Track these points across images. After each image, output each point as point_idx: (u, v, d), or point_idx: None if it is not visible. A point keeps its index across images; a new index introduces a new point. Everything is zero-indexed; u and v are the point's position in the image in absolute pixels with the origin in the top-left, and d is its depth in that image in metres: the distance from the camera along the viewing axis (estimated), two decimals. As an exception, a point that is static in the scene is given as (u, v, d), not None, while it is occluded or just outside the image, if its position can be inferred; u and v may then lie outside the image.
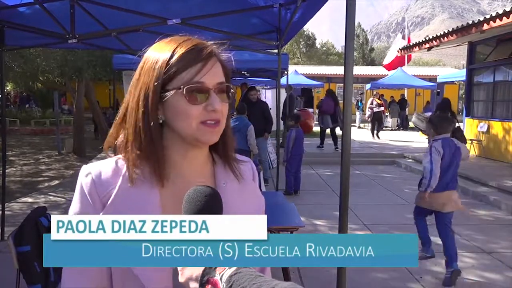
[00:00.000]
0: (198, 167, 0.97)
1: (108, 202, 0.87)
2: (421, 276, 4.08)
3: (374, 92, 17.77)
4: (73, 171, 9.68)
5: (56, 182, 8.60)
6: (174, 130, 0.91)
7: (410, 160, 10.96)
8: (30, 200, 6.96)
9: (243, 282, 0.66)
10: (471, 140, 10.94)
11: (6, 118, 13.83)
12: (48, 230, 2.59)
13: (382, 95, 17.53)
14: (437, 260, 4.49)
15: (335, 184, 7.74)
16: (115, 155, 0.96)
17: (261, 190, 4.67)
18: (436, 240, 4.09)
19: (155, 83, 0.87)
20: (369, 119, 16.70)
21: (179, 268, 0.74)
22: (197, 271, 0.71)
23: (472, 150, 10.87)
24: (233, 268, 0.67)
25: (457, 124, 6.84)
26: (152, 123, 0.89)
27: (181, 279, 0.74)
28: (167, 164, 0.92)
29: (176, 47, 0.89)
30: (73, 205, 0.92)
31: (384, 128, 17.70)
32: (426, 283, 3.94)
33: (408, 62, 19.73)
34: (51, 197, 7.21)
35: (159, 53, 0.90)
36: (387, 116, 19.87)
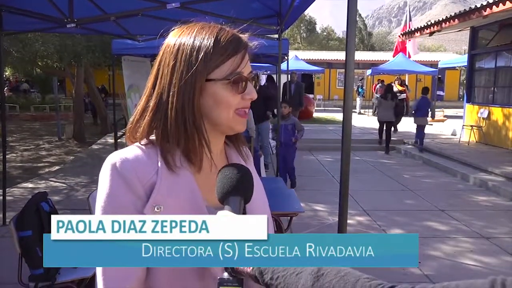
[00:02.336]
0: (219, 150, 1.00)
1: (154, 190, 0.85)
2: (420, 261, 4.12)
3: (396, 77, 15.44)
4: (74, 157, 9.70)
5: (57, 167, 8.62)
6: (209, 117, 0.91)
7: (410, 146, 10.96)
8: (31, 185, 6.98)
9: None
10: (471, 126, 10.93)
11: (6, 104, 13.78)
12: (49, 215, 2.62)
13: (404, 80, 14.28)
14: (435, 245, 4.54)
15: (335, 170, 7.77)
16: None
17: (260, 175, 4.66)
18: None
19: (201, 73, 0.87)
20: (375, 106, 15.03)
21: None
22: None
23: (472, 136, 10.87)
24: None
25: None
26: (197, 110, 0.89)
27: None
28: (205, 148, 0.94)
29: (217, 35, 0.89)
30: (105, 197, 0.85)
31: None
32: (425, 267, 3.98)
33: (415, 52, 19.20)
34: (51, 182, 7.24)
35: (198, 40, 0.89)
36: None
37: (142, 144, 0.91)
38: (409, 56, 18.26)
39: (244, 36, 0.94)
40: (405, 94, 13.21)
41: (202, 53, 0.87)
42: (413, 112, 10.45)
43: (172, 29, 0.95)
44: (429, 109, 10.44)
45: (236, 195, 0.80)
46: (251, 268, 0.70)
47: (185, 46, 0.89)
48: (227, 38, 0.89)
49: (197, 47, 0.88)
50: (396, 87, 13.09)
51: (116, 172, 0.85)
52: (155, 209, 0.84)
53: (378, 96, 12.99)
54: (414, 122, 10.30)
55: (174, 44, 0.90)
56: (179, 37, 0.91)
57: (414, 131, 10.64)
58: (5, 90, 26.70)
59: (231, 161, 1.01)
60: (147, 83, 0.94)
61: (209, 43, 0.87)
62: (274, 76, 10.65)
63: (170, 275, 0.86)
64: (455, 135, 11.79)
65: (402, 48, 18.76)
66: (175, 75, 0.88)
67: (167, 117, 0.89)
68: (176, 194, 0.87)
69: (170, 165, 0.88)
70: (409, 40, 16.80)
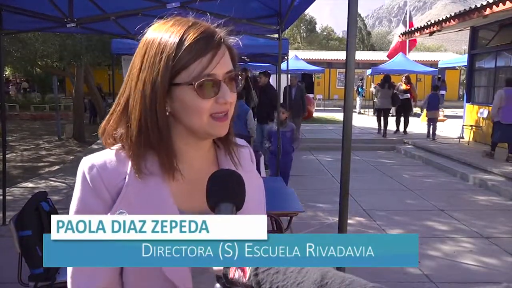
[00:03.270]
0: (204, 154, 0.95)
1: (119, 197, 0.84)
2: (420, 261, 4.12)
3: (404, 76, 14.06)
4: (74, 156, 9.69)
5: (57, 167, 8.61)
6: (182, 123, 0.87)
7: (410, 146, 10.96)
8: (30, 185, 6.98)
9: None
10: (471, 126, 10.93)
11: (5, 103, 13.77)
12: (49, 214, 2.61)
13: (409, 77, 13.34)
14: (435, 245, 4.54)
15: (335, 169, 7.76)
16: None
17: (261, 175, 4.67)
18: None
19: (163, 77, 0.81)
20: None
21: None
22: None
23: (472, 135, 10.86)
24: None
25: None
26: (160, 116, 0.84)
27: None
28: (176, 156, 0.89)
29: (184, 34, 0.82)
30: (76, 201, 0.86)
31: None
32: (425, 267, 3.98)
33: (409, 52, 19.26)
34: (51, 182, 7.23)
35: (164, 39, 0.83)
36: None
37: (115, 148, 0.89)
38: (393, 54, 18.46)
39: (219, 32, 0.86)
40: (409, 94, 12.63)
41: (166, 53, 0.81)
42: (425, 108, 11.78)
43: (150, 25, 0.89)
44: (438, 104, 11.74)
45: (228, 202, 0.78)
46: (247, 278, 0.69)
47: (151, 47, 0.84)
48: (194, 36, 0.81)
49: (161, 49, 0.82)
50: (402, 86, 12.68)
51: (84, 177, 0.86)
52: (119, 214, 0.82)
53: (376, 85, 13.05)
54: (427, 116, 11.73)
55: (144, 44, 0.86)
56: (151, 35, 0.86)
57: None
58: (13, 90, 26.86)
59: (221, 164, 0.97)
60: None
61: (173, 44, 0.81)
62: (275, 76, 10.62)
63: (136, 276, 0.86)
64: (462, 138, 11.44)
65: (402, 48, 18.76)
66: (140, 78, 0.84)
67: (132, 124, 0.85)
68: (143, 201, 0.84)
69: (139, 171, 0.85)
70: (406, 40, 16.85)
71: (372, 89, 16.52)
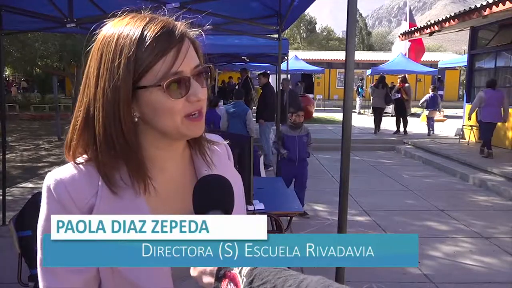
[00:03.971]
0: (178, 155, 0.90)
1: (92, 214, 0.78)
2: (420, 261, 4.12)
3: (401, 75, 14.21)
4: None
5: (57, 167, 8.61)
6: (154, 127, 0.80)
7: (410, 146, 10.96)
8: (30, 185, 6.99)
9: (267, 276, 0.63)
10: (471, 126, 10.92)
11: (5, 104, 13.76)
12: (49, 215, 2.55)
13: (405, 77, 13.39)
14: (434, 245, 4.54)
15: (335, 169, 7.76)
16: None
17: (260, 175, 4.64)
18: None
19: (125, 82, 0.74)
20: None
21: None
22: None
23: (472, 136, 10.86)
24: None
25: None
26: (125, 125, 0.77)
27: (193, 273, 0.71)
28: (148, 163, 0.83)
29: (143, 32, 0.75)
30: (43, 221, 0.81)
31: (384, 114, 17.25)
32: (424, 267, 3.98)
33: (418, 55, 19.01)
34: (51, 182, 7.23)
35: (121, 40, 0.75)
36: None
37: (80, 162, 0.82)
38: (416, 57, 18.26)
39: (180, 25, 0.79)
40: (399, 94, 12.62)
41: (126, 55, 0.74)
42: (425, 107, 12.83)
43: (105, 22, 0.82)
44: (437, 103, 12.77)
45: (216, 209, 0.76)
46: None
47: (108, 49, 0.76)
48: (154, 34, 0.75)
49: (119, 51, 0.75)
50: (396, 84, 13.13)
51: (51, 195, 0.80)
52: None
53: (372, 86, 13.75)
54: (427, 115, 12.80)
55: (99, 47, 0.78)
56: (104, 37, 0.78)
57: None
58: (14, 89, 27.01)
59: (196, 166, 0.92)
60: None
61: (133, 44, 0.74)
62: (275, 76, 10.61)
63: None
64: (459, 135, 11.72)
65: (417, 47, 18.56)
66: (99, 85, 0.77)
67: (102, 133, 0.78)
68: None
69: (111, 184, 0.79)
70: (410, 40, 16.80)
71: (369, 89, 16.77)
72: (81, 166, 0.82)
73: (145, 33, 0.75)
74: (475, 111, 8.87)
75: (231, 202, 0.79)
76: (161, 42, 0.75)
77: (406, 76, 13.70)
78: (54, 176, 0.81)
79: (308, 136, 5.36)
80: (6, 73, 23.73)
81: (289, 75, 11.01)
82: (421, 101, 13.01)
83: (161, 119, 0.78)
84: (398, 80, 13.22)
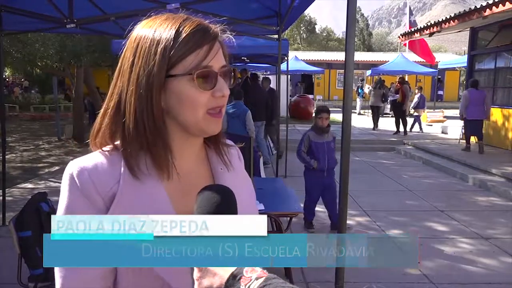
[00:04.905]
0: (195, 153, 0.92)
1: (114, 202, 0.79)
2: (419, 261, 4.12)
3: (399, 76, 15.04)
4: (73, 157, 9.67)
5: (56, 168, 8.61)
6: (176, 118, 0.83)
7: (410, 147, 10.96)
8: (30, 185, 6.98)
9: None
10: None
11: (5, 104, 13.77)
12: (48, 215, 2.60)
13: (403, 78, 14.06)
14: (434, 245, 4.54)
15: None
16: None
17: (260, 175, 4.63)
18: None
19: (160, 68, 0.78)
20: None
21: (195, 277, 0.70)
22: (218, 281, 0.66)
23: (472, 137, 10.86)
24: (261, 280, 0.62)
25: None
26: (156, 110, 0.80)
27: None
28: (172, 152, 0.86)
29: (180, 27, 0.80)
30: (63, 210, 0.79)
31: (384, 115, 17.35)
32: (424, 268, 3.98)
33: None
34: (51, 183, 7.23)
35: (158, 32, 0.80)
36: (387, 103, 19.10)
37: (105, 150, 0.84)
38: (433, 58, 18.36)
39: (214, 27, 0.84)
40: (398, 95, 12.73)
41: (161, 46, 0.78)
42: (415, 107, 13.82)
43: (138, 22, 0.86)
44: (425, 103, 14.35)
45: None
46: None
47: (145, 40, 0.80)
48: (190, 29, 0.79)
49: (156, 40, 0.79)
50: (394, 86, 13.79)
51: (73, 183, 0.79)
52: None
53: (370, 86, 15.35)
54: (415, 114, 13.84)
55: (135, 39, 0.82)
56: (142, 30, 0.83)
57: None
58: (17, 89, 27.07)
59: (212, 164, 0.94)
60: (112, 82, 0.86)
61: (170, 35, 0.79)
62: (275, 77, 10.60)
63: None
64: (446, 133, 12.86)
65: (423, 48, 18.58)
66: (133, 72, 0.81)
67: (127, 122, 0.81)
68: (140, 205, 0.80)
69: (133, 172, 0.80)
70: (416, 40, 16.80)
71: (366, 89, 17.07)
72: (103, 154, 0.83)
73: (182, 28, 0.80)
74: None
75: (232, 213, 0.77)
76: (196, 37, 0.79)
77: (405, 77, 13.95)
78: (77, 164, 0.81)
79: (334, 142, 4.80)
80: (6, 74, 23.72)
81: (289, 76, 11.00)
82: (413, 103, 13.94)
83: (184, 110, 0.81)
84: (397, 81, 13.63)
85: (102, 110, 0.86)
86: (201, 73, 0.79)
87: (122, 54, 0.84)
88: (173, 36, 0.79)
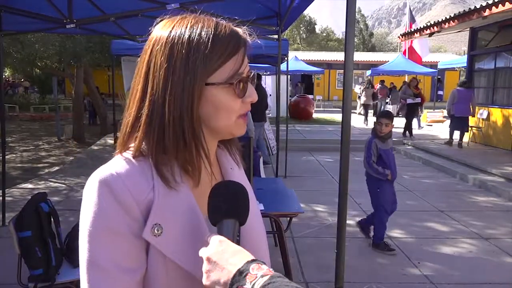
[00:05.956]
0: (213, 157, 0.91)
1: (152, 210, 0.75)
2: (419, 261, 4.12)
3: (411, 78, 14.58)
4: (73, 157, 9.69)
5: (56, 168, 8.61)
6: (207, 123, 0.81)
7: (410, 147, 10.97)
8: (30, 186, 6.98)
9: None
10: (471, 126, 10.93)
11: (5, 104, 13.80)
12: (48, 215, 2.61)
13: (416, 79, 13.54)
14: (434, 245, 4.54)
15: (335, 170, 7.76)
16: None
17: (260, 175, 4.62)
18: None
19: (201, 77, 0.76)
20: (361, 109, 16.93)
21: (204, 270, 0.70)
22: (225, 276, 0.66)
23: (472, 136, 10.87)
24: (266, 278, 0.63)
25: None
26: (196, 118, 0.78)
27: (206, 282, 0.69)
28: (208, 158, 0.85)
29: (215, 32, 0.78)
30: (98, 218, 0.74)
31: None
32: (424, 268, 3.98)
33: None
34: (51, 183, 7.23)
35: (193, 38, 0.77)
36: (387, 103, 19.35)
37: (133, 157, 0.80)
38: (420, 59, 18.30)
39: (243, 30, 0.83)
40: (420, 98, 12.58)
41: (201, 53, 0.76)
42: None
43: (158, 21, 0.83)
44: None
45: (231, 218, 0.75)
46: None
47: (180, 45, 0.77)
48: (226, 33, 0.78)
49: (194, 46, 0.76)
50: (410, 89, 12.67)
51: (105, 190, 0.74)
52: (155, 230, 0.75)
53: (363, 86, 16.70)
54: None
55: (166, 42, 0.78)
56: (171, 33, 0.78)
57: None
58: (21, 89, 27.13)
59: (222, 166, 0.94)
60: (135, 86, 0.82)
61: (208, 41, 0.76)
62: (274, 77, 10.60)
63: None
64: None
65: (410, 50, 18.62)
66: (170, 80, 0.77)
67: (164, 128, 0.78)
68: (175, 212, 0.78)
69: (167, 180, 0.78)
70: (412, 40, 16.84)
71: (357, 89, 18.28)
72: (134, 161, 0.79)
73: (219, 32, 0.78)
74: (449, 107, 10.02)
75: (246, 211, 0.78)
76: (232, 43, 0.78)
77: (416, 79, 13.61)
78: (109, 170, 0.76)
79: (393, 150, 4.50)
80: (6, 74, 23.71)
81: (289, 76, 11.01)
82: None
83: (219, 117, 0.80)
84: (412, 85, 12.75)
85: (131, 119, 0.81)
86: (239, 81, 0.79)
87: (147, 60, 0.80)
88: (211, 42, 0.77)
